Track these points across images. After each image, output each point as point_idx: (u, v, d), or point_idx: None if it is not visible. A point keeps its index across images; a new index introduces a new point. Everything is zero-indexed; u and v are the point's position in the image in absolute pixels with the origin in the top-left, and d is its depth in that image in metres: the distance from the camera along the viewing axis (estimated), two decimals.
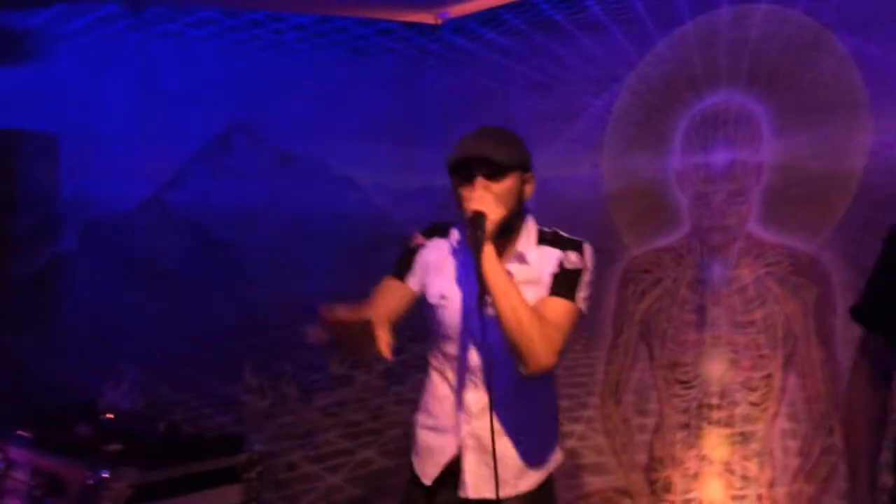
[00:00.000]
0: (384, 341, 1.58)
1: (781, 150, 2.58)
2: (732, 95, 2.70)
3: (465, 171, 1.72)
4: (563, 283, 1.72)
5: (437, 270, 1.85)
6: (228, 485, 1.82)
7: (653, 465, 2.85)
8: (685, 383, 2.78)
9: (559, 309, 1.70)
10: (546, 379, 1.83)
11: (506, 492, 1.75)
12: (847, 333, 2.41)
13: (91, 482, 1.61)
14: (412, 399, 3.73)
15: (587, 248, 1.78)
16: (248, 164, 3.55)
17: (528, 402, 1.81)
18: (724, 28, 2.71)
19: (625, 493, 2.91)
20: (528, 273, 1.76)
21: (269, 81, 3.54)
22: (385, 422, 3.68)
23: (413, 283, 1.87)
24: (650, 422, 2.88)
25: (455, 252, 1.84)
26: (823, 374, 2.45)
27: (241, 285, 3.49)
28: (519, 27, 3.35)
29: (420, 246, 1.89)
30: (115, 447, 1.73)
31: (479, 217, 1.65)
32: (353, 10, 3.62)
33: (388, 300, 1.84)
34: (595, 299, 1.88)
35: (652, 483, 2.84)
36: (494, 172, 1.69)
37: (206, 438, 1.82)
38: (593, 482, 2.98)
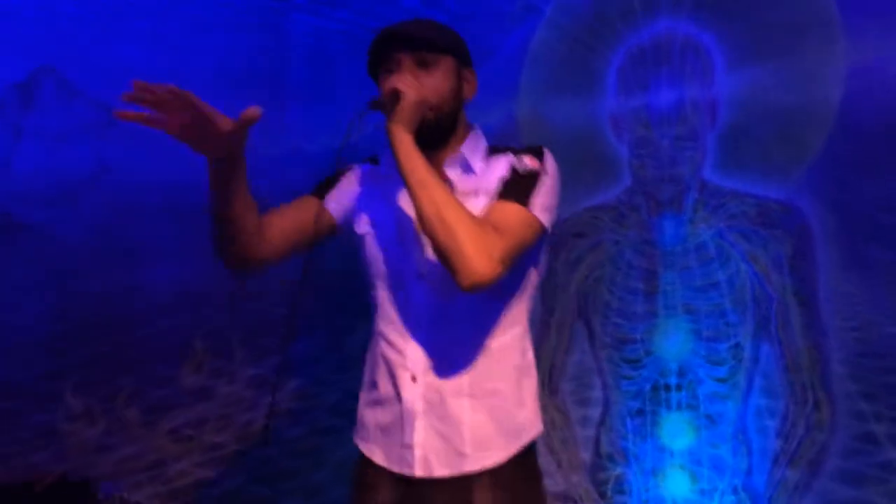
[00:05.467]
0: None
1: (739, 84, 2.22)
2: (676, 24, 2.32)
3: (388, 56, 1.40)
4: (514, 186, 1.38)
5: (366, 197, 1.51)
6: None
7: (600, 464, 2.41)
8: (635, 362, 2.36)
9: (505, 211, 1.35)
10: (514, 319, 1.46)
11: (466, 467, 1.39)
12: (832, 289, 2.08)
13: None
14: (291, 410, 3.08)
15: (547, 154, 1.45)
16: (61, 122, 2.73)
17: (490, 350, 1.42)
18: None
19: (567, 498, 2.45)
20: (474, 182, 1.43)
21: (89, 18, 2.75)
22: (256, 441, 2.98)
23: (332, 204, 1.51)
24: (594, 412, 2.43)
25: (386, 176, 1.49)
26: (804, 339, 2.12)
27: (58, 279, 2.67)
28: None
29: (347, 169, 1.55)
30: None
31: (393, 95, 1.34)
32: None
33: (294, 213, 1.47)
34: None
35: (600, 484, 2.40)
36: (423, 56, 1.40)
37: (35, 489, 1.12)
38: None
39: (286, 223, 1.45)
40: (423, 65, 1.39)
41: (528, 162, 1.41)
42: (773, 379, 2.16)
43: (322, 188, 1.53)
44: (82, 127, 2.74)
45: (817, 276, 2.09)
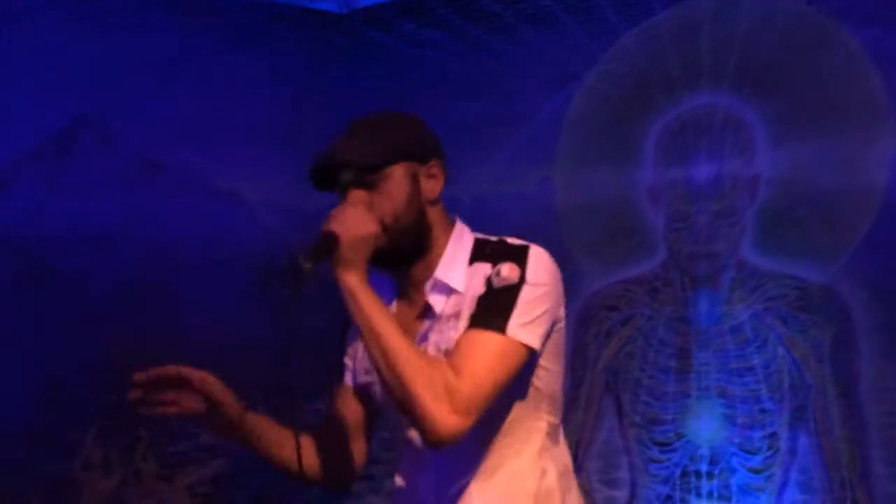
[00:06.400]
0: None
1: (782, 162, 2.16)
2: (717, 98, 2.27)
3: (332, 185, 1.26)
4: (487, 308, 1.20)
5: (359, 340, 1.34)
6: None
7: None
8: (665, 445, 2.26)
9: (475, 347, 1.17)
10: (527, 438, 1.29)
11: None
12: (875, 381, 1.98)
13: None
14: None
15: (533, 255, 1.23)
16: (98, 171, 2.75)
17: (502, 476, 1.27)
18: (706, 19, 2.29)
19: None
20: (460, 303, 1.25)
21: (129, 69, 2.79)
22: (271, 503, 2.93)
23: (354, 379, 1.40)
24: (620, 495, 2.33)
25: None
26: (844, 432, 2.01)
27: (84, 328, 2.67)
28: (448, 18, 2.81)
29: (347, 324, 1.39)
30: None
31: (327, 239, 1.17)
32: None
33: (342, 421, 1.40)
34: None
35: None
36: (361, 177, 1.23)
37: None
38: None
39: (355, 435, 1.41)
40: (369, 186, 1.24)
41: (506, 272, 1.21)
42: (810, 473, 2.05)
43: (338, 368, 1.43)
44: (118, 178, 2.76)
45: (859, 367, 1.99)
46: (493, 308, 1.18)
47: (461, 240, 1.30)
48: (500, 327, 1.17)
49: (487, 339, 1.16)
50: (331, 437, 1.40)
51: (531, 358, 1.22)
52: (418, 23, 2.88)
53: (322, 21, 3.05)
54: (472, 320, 1.20)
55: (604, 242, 2.44)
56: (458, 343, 1.19)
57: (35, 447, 2.59)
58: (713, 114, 2.26)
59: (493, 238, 1.30)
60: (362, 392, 1.40)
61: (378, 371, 1.17)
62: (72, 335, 2.68)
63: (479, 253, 1.28)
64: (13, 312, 2.61)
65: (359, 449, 1.41)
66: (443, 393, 1.11)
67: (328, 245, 1.17)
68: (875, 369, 1.96)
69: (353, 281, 1.18)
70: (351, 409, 1.40)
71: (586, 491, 2.38)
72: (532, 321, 1.20)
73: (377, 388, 1.34)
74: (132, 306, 2.77)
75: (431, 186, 1.29)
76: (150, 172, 2.83)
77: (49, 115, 2.69)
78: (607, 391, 2.38)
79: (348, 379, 1.41)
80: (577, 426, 2.41)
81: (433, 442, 1.13)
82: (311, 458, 1.37)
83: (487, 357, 1.16)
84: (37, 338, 2.63)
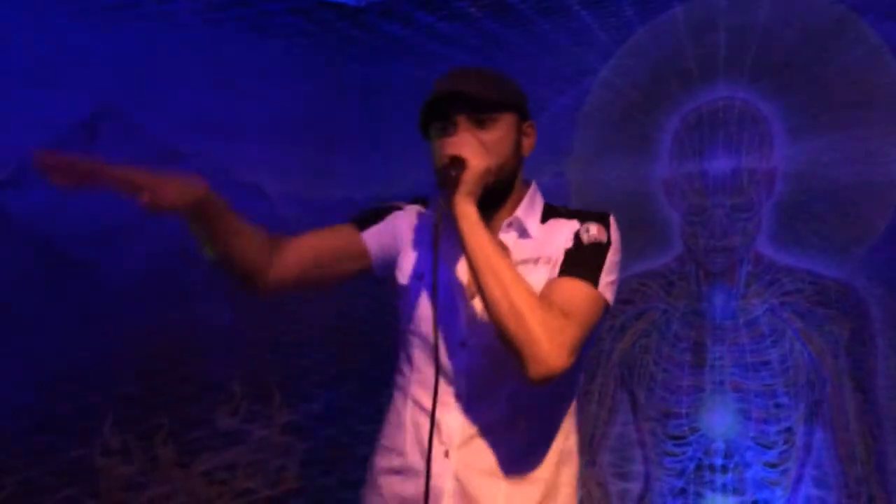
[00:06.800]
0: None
1: (799, 157, 2.15)
2: (734, 91, 2.26)
3: (444, 116, 1.28)
4: (581, 260, 1.27)
5: (414, 243, 1.38)
6: None
7: None
8: (679, 439, 2.26)
9: (575, 292, 1.22)
10: (563, 396, 1.35)
11: None
12: (890, 377, 1.97)
13: None
14: (323, 460, 3.05)
15: (613, 222, 1.33)
16: (118, 162, 2.79)
17: (532, 430, 1.32)
18: (724, 12, 2.28)
19: None
20: (531, 250, 1.31)
21: (150, 59, 2.82)
22: (287, 489, 2.96)
23: (371, 240, 1.37)
24: (634, 488, 2.34)
25: (436, 227, 1.34)
26: (860, 427, 2.00)
27: (102, 318, 2.71)
28: (465, 11, 2.81)
29: (397, 208, 1.43)
30: None
31: (455, 162, 1.21)
32: None
33: (324, 237, 1.36)
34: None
35: None
36: (481, 115, 1.28)
37: None
38: None
39: (312, 245, 1.34)
40: (481, 123, 1.28)
41: (595, 231, 1.29)
42: (825, 468, 2.04)
43: (364, 220, 1.39)
44: (139, 166, 2.79)
45: (876, 362, 1.98)
46: (587, 262, 1.25)
47: (536, 198, 1.38)
48: (594, 280, 1.24)
49: (584, 289, 1.22)
50: (294, 247, 1.33)
51: (603, 317, 1.28)
52: (434, 16, 2.89)
53: (339, 14, 3.06)
54: (565, 268, 1.25)
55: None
56: (556, 287, 1.23)
57: (55, 434, 2.63)
58: (730, 108, 2.26)
59: (558, 205, 1.39)
60: (373, 268, 1.38)
61: (490, 300, 1.18)
62: (90, 325, 2.72)
63: (552, 212, 1.36)
64: (33, 302, 2.65)
65: (292, 266, 1.33)
66: (554, 329, 1.15)
67: (456, 169, 1.20)
68: (891, 365, 1.95)
69: (473, 210, 1.21)
70: (335, 247, 1.37)
71: (600, 484, 2.39)
72: (612, 282, 1.28)
73: (420, 298, 1.33)
74: (150, 296, 2.81)
75: (528, 143, 1.36)
76: (169, 163, 2.86)
77: (70, 106, 2.73)
78: (622, 385, 2.38)
79: (368, 239, 1.37)
80: (591, 420, 2.41)
81: (540, 374, 1.15)
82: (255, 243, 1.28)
83: (586, 305, 1.22)
84: (56, 327, 2.67)
